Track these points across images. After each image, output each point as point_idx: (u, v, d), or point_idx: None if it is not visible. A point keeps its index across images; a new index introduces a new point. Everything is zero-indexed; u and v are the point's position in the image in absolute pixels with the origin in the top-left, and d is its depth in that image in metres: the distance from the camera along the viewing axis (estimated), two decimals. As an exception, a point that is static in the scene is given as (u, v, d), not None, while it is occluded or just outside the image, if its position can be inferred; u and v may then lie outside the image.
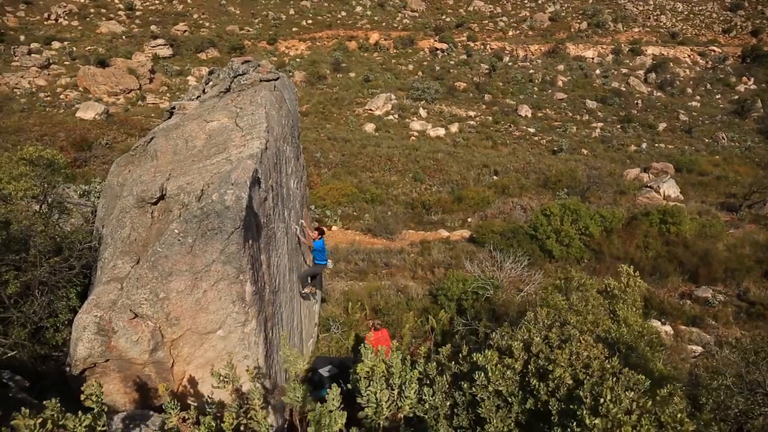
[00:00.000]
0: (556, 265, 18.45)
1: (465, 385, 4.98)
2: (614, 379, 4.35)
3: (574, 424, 4.13)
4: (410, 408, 4.71)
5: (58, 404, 3.51)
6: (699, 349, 13.31)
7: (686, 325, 14.87)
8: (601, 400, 4.12)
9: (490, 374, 4.74)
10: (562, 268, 10.53)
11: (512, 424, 4.61)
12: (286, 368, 5.27)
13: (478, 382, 4.78)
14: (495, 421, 4.53)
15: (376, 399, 4.56)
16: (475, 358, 5.00)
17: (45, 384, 5.45)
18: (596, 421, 3.94)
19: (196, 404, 5.23)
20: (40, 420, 3.34)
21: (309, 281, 9.47)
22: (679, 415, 4.02)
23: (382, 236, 23.88)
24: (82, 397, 3.75)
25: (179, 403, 4.15)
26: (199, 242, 5.11)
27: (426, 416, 4.87)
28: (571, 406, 4.37)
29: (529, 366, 4.97)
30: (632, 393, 4.19)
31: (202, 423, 3.88)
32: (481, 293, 13.79)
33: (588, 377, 4.59)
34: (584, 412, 4.08)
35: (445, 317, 13.01)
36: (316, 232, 9.27)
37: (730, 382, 6.89)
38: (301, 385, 4.81)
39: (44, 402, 3.51)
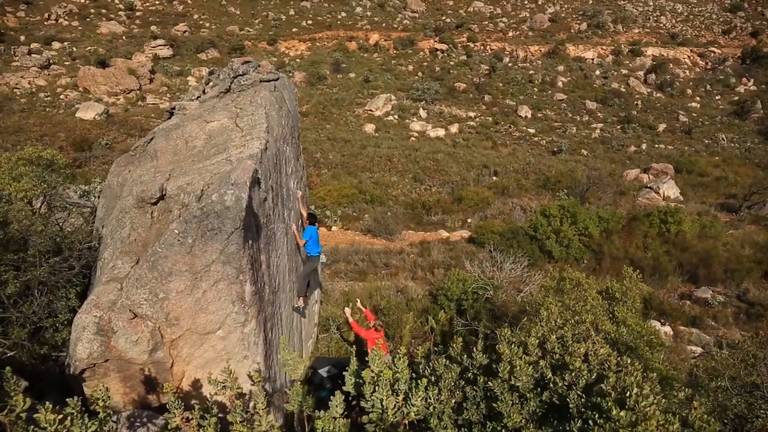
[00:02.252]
0: (555, 265, 18.45)
1: (480, 380, 4.99)
2: (637, 374, 4.40)
3: (596, 416, 4.16)
4: (416, 414, 4.69)
5: (80, 404, 3.55)
6: (698, 349, 13.31)
7: (686, 326, 14.87)
8: (628, 394, 4.16)
9: (516, 368, 4.76)
10: (559, 269, 10.50)
11: (523, 420, 4.63)
12: (286, 371, 5.27)
13: (501, 375, 4.80)
14: (514, 415, 4.55)
15: (382, 405, 4.54)
16: (500, 350, 5.01)
17: (44, 384, 5.45)
18: (622, 413, 3.98)
19: (196, 404, 5.23)
20: (60, 417, 3.38)
21: (306, 288, 8.89)
22: (706, 416, 4.07)
23: (382, 237, 23.88)
24: (90, 400, 3.75)
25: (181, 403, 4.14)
26: (199, 242, 5.11)
27: (430, 416, 4.86)
28: (592, 399, 4.42)
29: (542, 362, 4.99)
30: (650, 388, 4.23)
31: (207, 424, 3.86)
32: (481, 294, 13.79)
33: (607, 371, 4.64)
34: (610, 404, 4.12)
35: (444, 318, 13.00)
36: (308, 221, 8.58)
37: (728, 384, 6.89)
38: (302, 388, 4.79)
39: (67, 399, 3.56)
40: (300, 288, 8.67)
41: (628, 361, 4.80)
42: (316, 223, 8.80)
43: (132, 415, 4.74)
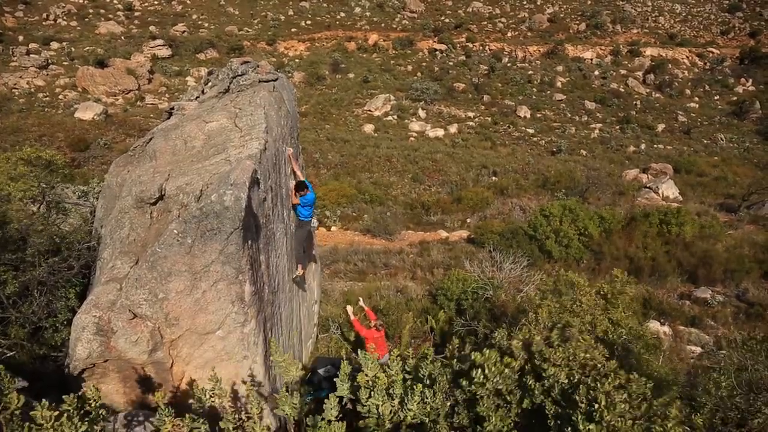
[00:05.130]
0: (555, 265, 18.46)
1: (464, 383, 4.96)
2: (609, 382, 4.30)
3: (570, 429, 4.09)
4: (412, 419, 4.68)
5: (76, 401, 3.56)
6: (698, 349, 13.32)
7: (685, 326, 14.88)
8: (596, 406, 4.06)
9: (487, 372, 4.71)
10: (556, 270, 10.49)
11: (511, 423, 4.59)
12: (278, 374, 5.26)
13: (476, 380, 4.77)
14: (494, 419, 4.51)
15: (378, 411, 4.52)
16: (473, 357, 4.98)
17: (44, 384, 5.43)
18: (590, 427, 3.91)
19: (195, 405, 5.22)
20: (56, 413, 3.40)
21: (303, 255, 8.58)
22: (675, 427, 3.97)
23: (382, 237, 23.88)
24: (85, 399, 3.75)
25: (178, 404, 4.13)
26: (198, 243, 5.11)
27: (427, 419, 4.85)
28: (567, 410, 4.34)
29: (527, 366, 4.96)
30: (625, 394, 4.15)
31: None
32: (481, 293, 13.79)
33: (584, 378, 4.57)
34: (579, 417, 4.06)
35: (444, 317, 13.01)
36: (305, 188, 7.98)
37: (727, 382, 6.87)
38: (298, 389, 4.78)
39: (63, 397, 3.57)
40: (298, 255, 8.36)
41: (613, 365, 4.73)
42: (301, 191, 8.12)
43: (129, 415, 4.73)
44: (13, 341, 5.62)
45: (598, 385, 4.23)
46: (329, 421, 4.28)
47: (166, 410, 3.93)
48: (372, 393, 4.55)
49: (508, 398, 4.70)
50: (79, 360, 4.96)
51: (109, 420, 4.51)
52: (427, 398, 4.88)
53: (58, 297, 6.13)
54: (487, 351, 4.96)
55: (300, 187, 7.93)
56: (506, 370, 4.76)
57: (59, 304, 6.09)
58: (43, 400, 3.43)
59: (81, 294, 6.33)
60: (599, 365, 4.72)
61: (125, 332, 4.97)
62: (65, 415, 3.43)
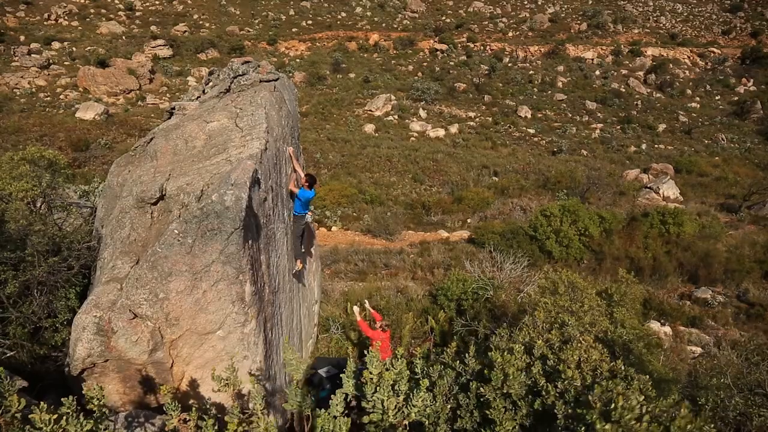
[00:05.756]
0: (555, 266, 18.45)
1: (473, 386, 4.94)
2: (625, 384, 4.30)
3: (583, 429, 4.06)
4: (416, 415, 4.68)
5: (75, 403, 3.56)
6: (698, 350, 13.31)
7: (685, 326, 14.88)
8: (613, 405, 4.03)
9: (510, 376, 4.68)
10: (555, 270, 10.42)
11: (517, 426, 4.58)
12: (289, 371, 5.27)
13: (493, 383, 4.74)
14: (505, 422, 4.49)
15: (383, 406, 4.53)
16: (492, 357, 4.93)
17: (44, 384, 5.44)
18: (607, 427, 3.88)
19: (195, 404, 5.23)
20: (55, 416, 3.40)
21: (302, 248, 8.63)
22: (688, 426, 3.96)
23: (382, 237, 23.88)
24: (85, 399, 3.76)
25: (179, 404, 4.14)
26: (199, 242, 5.11)
27: (427, 420, 4.84)
28: (578, 410, 4.31)
29: (531, 368, 4.94)
30: (642, 398, 4.14)
31: (204, 427, 3.87)
32: (481, 294, 13.78)
33: (597, 380, 4.56)
34: (594, 416, 4.03)
35: (444, 318, 13.00)
36: (306, 180, 8.05)
37: (729, 381, 6.87)
38: (302, 388, 4.80)
39: (62, 399, 3.57)
40: (296, 250, 8.44)
41: (621, 367, 4.73)
42: (314, 185, 8.30)
43: (129, 415, 4.74)
44: (13, 341, 5.62)
45: (612, 385, 4.22)
46: (334, 416, 4.29)
47: (173, 404, 3.94)
48: (377, 388, 4.56)
49: (519, 403, 4.68)
50: (79, 360, 4.96)
51: (110, 419, 4.51)
52: (427, 399, 4.87)
53: (58, 297, 6.13)
54: (507, 354, 4.92)
55: (312, 180, 8.14)
56: (522, 375, 4.74)
57: (59, 304, 6.09)
58: (42, 402, 3.42)
59: (81, 294, 6.33)
60: (611, 369, 4.72)
61: (125, 332, 4.97)
62: (64, 417, 3.43)
